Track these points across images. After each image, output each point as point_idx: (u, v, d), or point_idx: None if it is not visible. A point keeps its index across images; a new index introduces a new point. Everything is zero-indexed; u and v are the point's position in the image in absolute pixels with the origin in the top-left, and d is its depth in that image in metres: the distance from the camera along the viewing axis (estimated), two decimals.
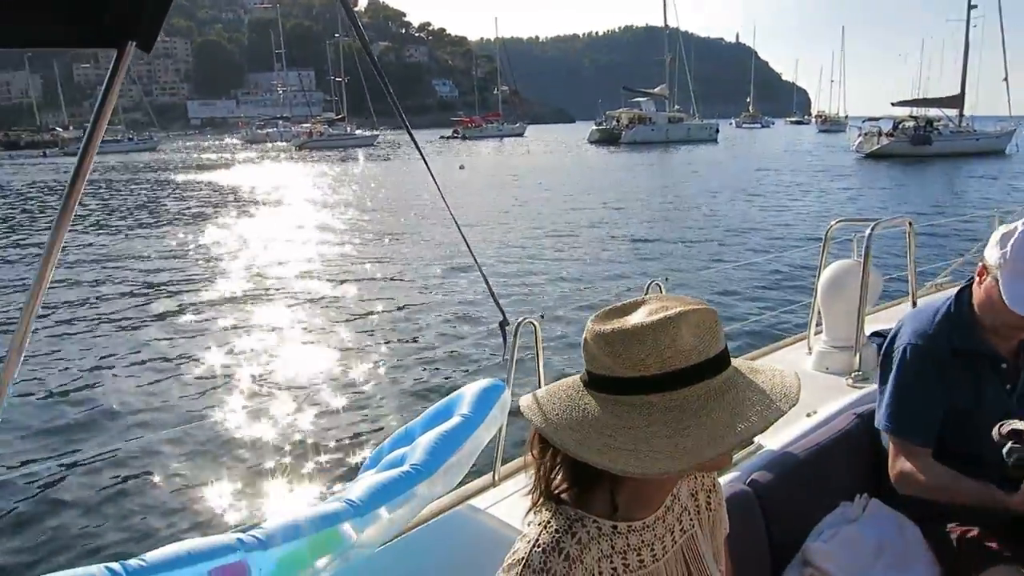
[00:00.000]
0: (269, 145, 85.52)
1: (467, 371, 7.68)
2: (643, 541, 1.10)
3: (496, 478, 2.40)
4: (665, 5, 75.70)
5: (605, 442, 0.94)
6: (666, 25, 77.07)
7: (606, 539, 1.06)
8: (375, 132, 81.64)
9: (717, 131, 72.13)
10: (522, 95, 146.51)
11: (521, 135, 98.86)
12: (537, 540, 1.03)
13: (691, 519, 1.20)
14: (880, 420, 2.14)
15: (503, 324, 2.55)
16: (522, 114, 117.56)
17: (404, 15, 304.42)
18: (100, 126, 1.33)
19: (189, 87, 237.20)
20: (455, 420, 2.01)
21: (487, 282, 2.61)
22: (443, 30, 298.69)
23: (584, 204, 23.20)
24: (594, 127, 76.08)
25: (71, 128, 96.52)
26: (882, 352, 2.20)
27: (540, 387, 2.55)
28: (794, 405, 0.95)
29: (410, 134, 2.39)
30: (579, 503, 1.06)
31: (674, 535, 1.15)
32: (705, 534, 1.23)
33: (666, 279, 2.93)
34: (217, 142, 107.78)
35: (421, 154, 2.35)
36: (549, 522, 1.05)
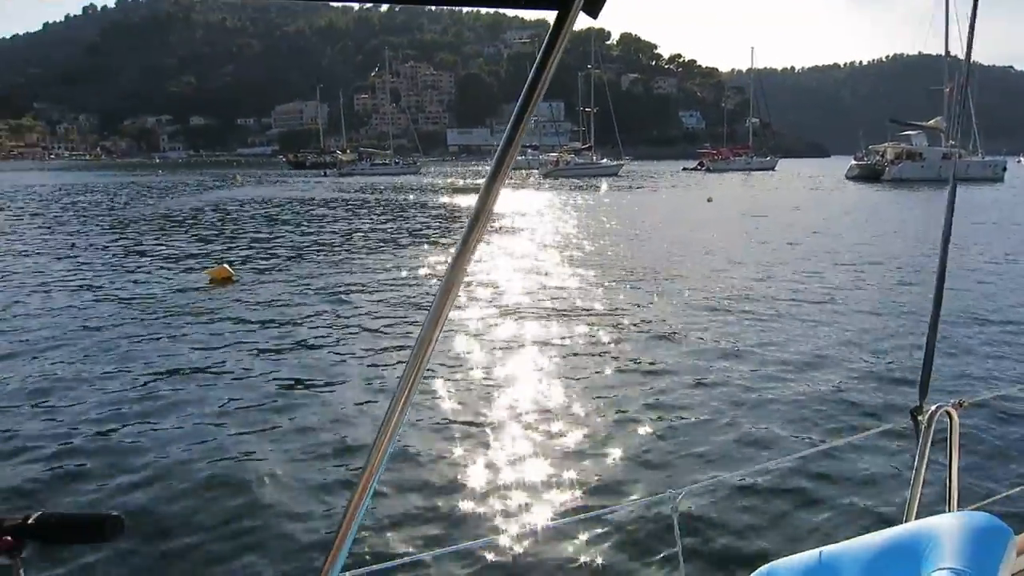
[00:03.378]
0: (517, 172, 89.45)
1: (849, 464, 6.21)
2: None
3: None
4: (947, 31, 68.83)
5: None
6: (947, 52, 69.95)
7: None
8: (620, 162, 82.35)
9: (1004, 169, 63.98)
10: (774, 127, 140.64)
11: (772, 169, 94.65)
12: None
13: None
14: None
15: (915, 411, 2.12)
16: (773, 147, 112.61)
17: (655, 47, 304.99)
18: (532, 101, 1.20)
19: (450, 116, 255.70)
20: None
21: (930, 352, 2.15)
22: (693, 61, 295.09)
23: (895, 251, 19.94)
24: (853, 162, 70.90)
25: (348, 151, 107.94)
26: None
27: (953, 495, 2.10)
28: None
29: None
30: None
31: None
32: None
33: None
34: (471, 168, 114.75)
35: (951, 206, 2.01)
36: None
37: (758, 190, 55.97)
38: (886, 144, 67.98)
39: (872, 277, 15.80)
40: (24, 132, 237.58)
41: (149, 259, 18.96)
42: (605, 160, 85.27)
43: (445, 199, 44.18)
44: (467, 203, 40.68)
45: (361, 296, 13.69)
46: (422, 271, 16.61)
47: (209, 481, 6.01)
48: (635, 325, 11.40)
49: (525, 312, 12.26)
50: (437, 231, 25.87)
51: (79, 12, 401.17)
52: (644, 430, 7.09)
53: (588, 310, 12.55)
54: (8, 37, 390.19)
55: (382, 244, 21.90)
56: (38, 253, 20.16)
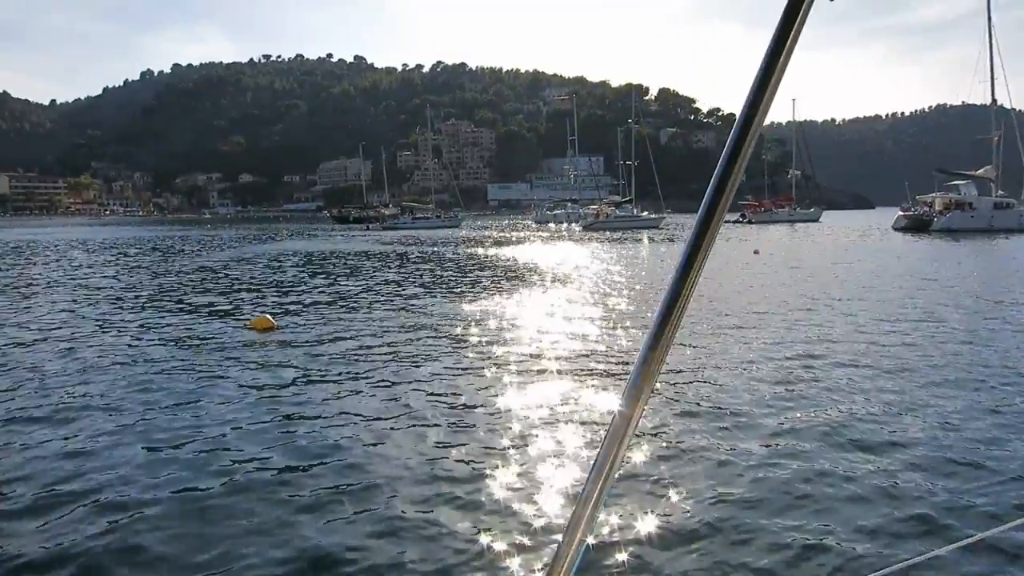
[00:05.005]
0: (557, 225, 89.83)
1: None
2: None
3: None
4: (992, 80, 68.08)
5: None
6: (993, 101, 69.09)
7: None
8: (661, 215, 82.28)
9: None
10: (816, 179, 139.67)
11: (816, 220, 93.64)
12: None
13: None
14: None
15: None
16: (816, 199, 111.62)
17: (694, 101, 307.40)
18: (763, 100, 0.99)
19: (490, 172, 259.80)
20: None
21: None
22: (732, 115, 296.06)
23: (982, 305, 18.35)
24: (900, 213, 69.78)
25: (390, 206, 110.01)
26: None
27: None
28: None
29: None
30: None
31: None
32: None
33: None
34: (510, 221, 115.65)
35: None
36: None
37: (805, 242, 55.03)
38: (934, 195, 66.83)
39: (962, 330, 14.86)
40: (82, 190, 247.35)
41: (193, 309, 19.12)
42: (646, 213, 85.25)
43: (482, 250, 44.39)
44: (501, 253, 40.75)
45: (402, 343, 13.56)
46: (459, 318, 16.46)
47: (274, 550, 5.76)
48: (736, 394, 9.91)
49: (596, 375, 11.96)
50: (473, 280, 25.80)
51: (136, 77, 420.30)
52: (778, 518, 5.95)
53: (678, 377, 11.94)
54: (70, 101, 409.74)
55: (421, 294, 21.87)
56: (86, 302, 20.50)
